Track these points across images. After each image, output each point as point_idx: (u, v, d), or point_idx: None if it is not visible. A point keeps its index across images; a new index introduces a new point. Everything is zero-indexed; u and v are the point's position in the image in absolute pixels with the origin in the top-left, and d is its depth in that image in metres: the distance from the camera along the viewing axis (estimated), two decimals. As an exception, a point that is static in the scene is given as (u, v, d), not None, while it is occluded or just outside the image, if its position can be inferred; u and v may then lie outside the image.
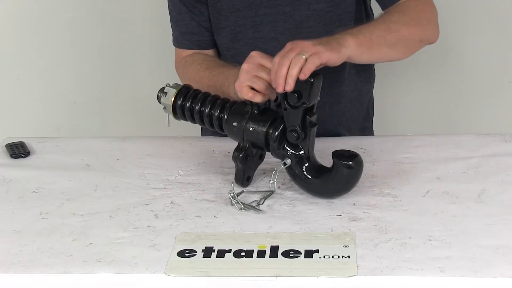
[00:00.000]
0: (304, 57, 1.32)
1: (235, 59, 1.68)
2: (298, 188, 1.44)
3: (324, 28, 1.67)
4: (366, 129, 1.90)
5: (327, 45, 1.37)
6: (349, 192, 1.40)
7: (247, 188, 1.46)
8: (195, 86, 1.55)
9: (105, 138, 1.76)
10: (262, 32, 1.68)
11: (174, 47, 1.81)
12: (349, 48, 1.41)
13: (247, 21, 1.69)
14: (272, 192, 1.43)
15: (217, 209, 1.39)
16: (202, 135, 1.87)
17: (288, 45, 1.38)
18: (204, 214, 1.37)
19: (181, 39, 1.77)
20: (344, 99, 1.77)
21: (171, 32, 1.80)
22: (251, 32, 1.69)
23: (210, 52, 1.77)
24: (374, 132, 1.95)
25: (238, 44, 1.71)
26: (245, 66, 1.42)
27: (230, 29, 1.71)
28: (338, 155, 1.37)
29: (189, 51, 1.77)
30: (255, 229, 1.31)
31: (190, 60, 1.75)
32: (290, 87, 1.32)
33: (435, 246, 1.24)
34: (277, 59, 1.35)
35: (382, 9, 1.69)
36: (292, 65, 1.32)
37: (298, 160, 1.41)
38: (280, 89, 1.33)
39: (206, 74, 1.66)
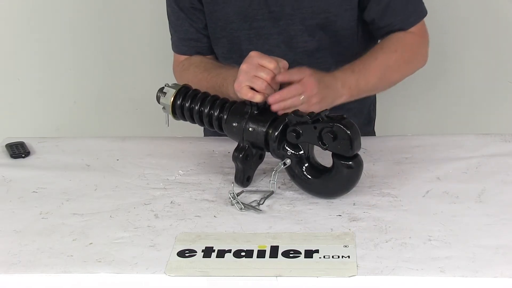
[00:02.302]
0: (301, 100, 1.44)
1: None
2: (298, 188, 1.44)
3: (318, 42, 1.68)
4: (367, 133, 1.89)
5: (323, 101, 1.48)
6: (349, 192, 1.40)
7: (247, 188, 1.46)
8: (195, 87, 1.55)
9: (105, 138, 1.76)
10: (256, 44, 1.68)
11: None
12: (340, 100, 1.54)
13: (241, 34, 1.69)
14: (272, 192, 1.43)
15: (217, 209, 1.39)
16: (204, 135, 1.87)
17: (299, 76, 1.44)
18: (204, 214, 1.37)
19: (180, 45, 1.77)
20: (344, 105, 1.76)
21: (171, 33, 1.80)
22: (246, 44, 1.69)
23: (208, 58, 1.77)
24: (375, 134, 1.94)
25: (235, 55, 1.71)
26: (244, 66, 1.42)
27: (226, 40, 1.71)
28: (338, 155, 1.37)
29: (187, 57, 1.77)
30: (255, 229, 1.31)
31: (187, 63, 1.74)
32: (280, 113, 1.43)
33: (435, 246, 1.24)
34: (292, 90, 1.43)
35: (375, 37, 1.72)
36: (293, 104, 1.43)
37: (298, 160, 1.41)
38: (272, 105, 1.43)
39: (204, 76, 1.66)
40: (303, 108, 1.43)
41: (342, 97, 1.54)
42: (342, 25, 1.68)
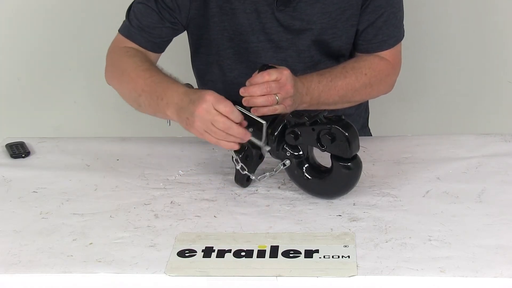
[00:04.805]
0: (277, 100, 1.43)
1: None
2: (298, 188, 1.44)
3: (323, 56, 1.69)
4: (364, 133, 1.88)
5: (293, 105, 1.48)
6: (349, 192, 1.40)
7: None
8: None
9: (105, 138, 1.76)
10: (266, 56, 1.67)
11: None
12: (300, 107, 1.53)
13: (252, 45, 1.67)
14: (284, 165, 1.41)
15: (217, 209, 1.39)
16: None
17: (279, 76, 1.43)
18: (204, 214, 1.37)
19: (135, 32, 1.66)
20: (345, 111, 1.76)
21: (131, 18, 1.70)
22: (255, 55, 1.67)
23: (154, 56, 1.69)
24: (371, 133, 1.94)
25: (242, 65, 1.69)
26: (199, 111, 1.37)
27: (232, 51, 1.68)
28: (336, 156, 1.37)
29: (133, 45, 1.67)
30: (255, 229, 1.31)
31: (132, 52, 1.64)
32: (247, 103, 1.42)
33: (435, 246, 1.24)
34: (263, 86, 1.42)
35: (354, 49, 1.71)
36: (266, 101, 1.42)
37: (297, 161, 1.41)
38: (243, 100, 1.42)
39: (145, 75, 1.55)
40: (278, 109, 1.44)
41: (303, 104, 1.54)
42: (346, 40, 1.68)
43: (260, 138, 1.42)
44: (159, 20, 1.64)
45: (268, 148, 1.42)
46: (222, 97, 1.38)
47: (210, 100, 1.37)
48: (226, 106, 1.37)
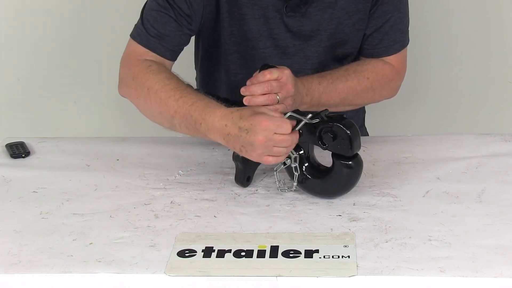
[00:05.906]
0: (278, 99, 1.43)
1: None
2: (298, 188, 1.44)
3: (330, 60, 1.69)
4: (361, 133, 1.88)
5: (294, 104, 1.48)
6: (349, 192, 1.41)
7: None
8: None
9: (105, 138, 1.76)
10: (273, 61, 1.63)
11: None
12: (301, 107, 1.51)
13: (259, 51, 1.66)
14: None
15: (217, 209, 1.39)
16: None
17: (280, 76, 1.43)
18: (204, 214, 1.37)
19: (154, 40, 1.62)
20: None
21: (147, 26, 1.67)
22: (262, 61, 1.65)
23: (170, 64, 1.65)
24: (369, 132, 1.94)
25: (247, 71, 1.65)
26: (261, 139, 1.34)
27: (238, 55, 1.68)
28: (337, 155, 1.37)
29: (152, 55, 1.62)
30: (255, 229, 1.31)
31: (156, 68, 1.57)
32: (248, 102, 1.42)
33: (435, 246, 1.24)
34: (265, 85, 1.42)
35: (359, 54, 1.71)
36: (267, 100, 1.42)
37: (298, 160, 1.41)
38: (244, 99, 1.42)
39: (175, 96, 1.49)
40: (279, 109, 1.43)
41: (303, 105, 1.54)
42: (352, 44, 1.68)
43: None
44: (178, 28, 1.61)
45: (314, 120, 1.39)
46: (277, 119, 1.35)
47: (270, 128, 1.33)
48: (287, 127, 1.35)
